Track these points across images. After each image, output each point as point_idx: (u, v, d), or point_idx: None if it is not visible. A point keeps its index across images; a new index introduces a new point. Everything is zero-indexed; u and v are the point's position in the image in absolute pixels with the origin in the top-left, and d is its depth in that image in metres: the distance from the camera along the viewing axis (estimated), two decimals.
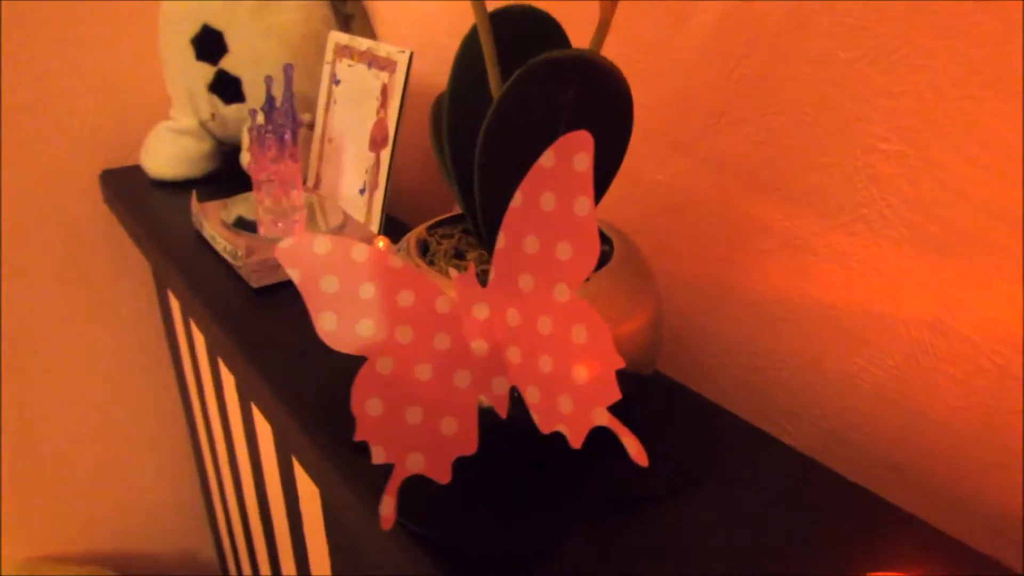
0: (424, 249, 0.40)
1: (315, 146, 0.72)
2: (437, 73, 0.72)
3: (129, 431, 1.02)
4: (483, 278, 0.35)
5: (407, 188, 0.80)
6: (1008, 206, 0.37)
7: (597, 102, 0.33)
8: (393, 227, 0.66)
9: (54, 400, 0.95)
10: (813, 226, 0.45)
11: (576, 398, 0.32)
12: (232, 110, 0.77)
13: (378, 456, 0.33)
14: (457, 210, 0.42)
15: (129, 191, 0.81)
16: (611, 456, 0.33)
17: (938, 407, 0.42)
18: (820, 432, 0.48)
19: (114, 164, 0.88)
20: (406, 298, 0.34)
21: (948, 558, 0.34)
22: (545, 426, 0.32)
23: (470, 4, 0.34)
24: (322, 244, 0.33)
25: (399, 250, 0.41)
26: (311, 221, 0.66)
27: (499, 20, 0.35)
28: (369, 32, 0.80)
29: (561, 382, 0.32)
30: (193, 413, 0.95)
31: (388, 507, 0.33)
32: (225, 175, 0.82)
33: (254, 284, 0.58)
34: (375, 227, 0.63)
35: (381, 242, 0.57)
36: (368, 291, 0.34)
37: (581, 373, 0.31)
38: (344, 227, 0.64)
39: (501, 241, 0.33)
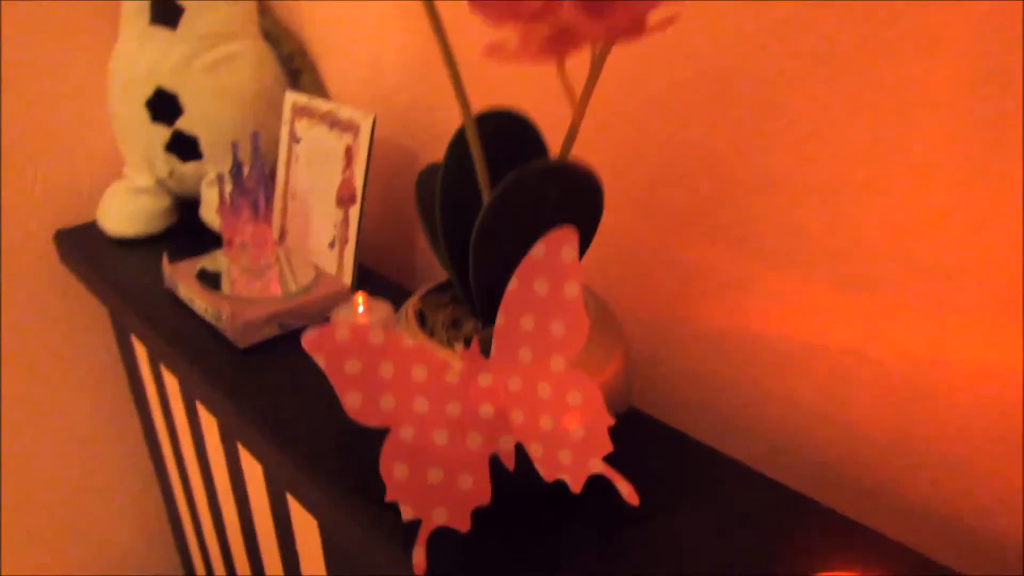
0: (422, 319, 0.45)
1: (278, 202, 0.75)
2: (388, 127, 0.77)
3: (93, 482, 1.03)
4: (484, 346, 0.40)
5: (366, 233, 0.84)
6: (912, 254, 0.44)
7: (574, 197, 0.39)
8: (364, 276, 0.70)
9: (15, 455, 0.95)
10: (749, 269, 0.52)
11: (574, 451, 0.37)
12: (190, 167, 0.80)
13: (407, 513, 0.38)
14: (425, 261, 0.47)
15: (88, 250, 0.82)
16: (596, 492, 0.39)
17: (860, 420, 0.49)
18: (765, 444, 0.55)
19: (66, 222, 0.88)
20: (419, 373, 0.39)
21: (879, 555, 0.42)
22: (548, 475, 0.38)
23: (459, 109, 0.40)
24: (343, 332, 0.38)
25: (398, 320, 0.46)
26: (280, 277, 0.69)
27: (483, 122, 0.40)
28: (319, 85, 0.84)
29: (560, 438, 0.38)
30: (163, 457, 0.97)
31: (419, 555, 0.38)
32: (183, 228, 0.84)
33: (241, 345, 0.62)
34: (347, 279, 0.67)
35: (360, 297, 0.62)
36: (387, 370, 0.39)
37: (577, 430, 0.37)
38: (316, 282, 0.67)
39: (501, 319, 0.38)
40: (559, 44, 0.30)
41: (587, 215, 0.40)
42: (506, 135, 0.41)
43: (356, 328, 0.38)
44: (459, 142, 0.41)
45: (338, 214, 0.68)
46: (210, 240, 0.79)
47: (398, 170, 0.79)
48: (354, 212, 0.66)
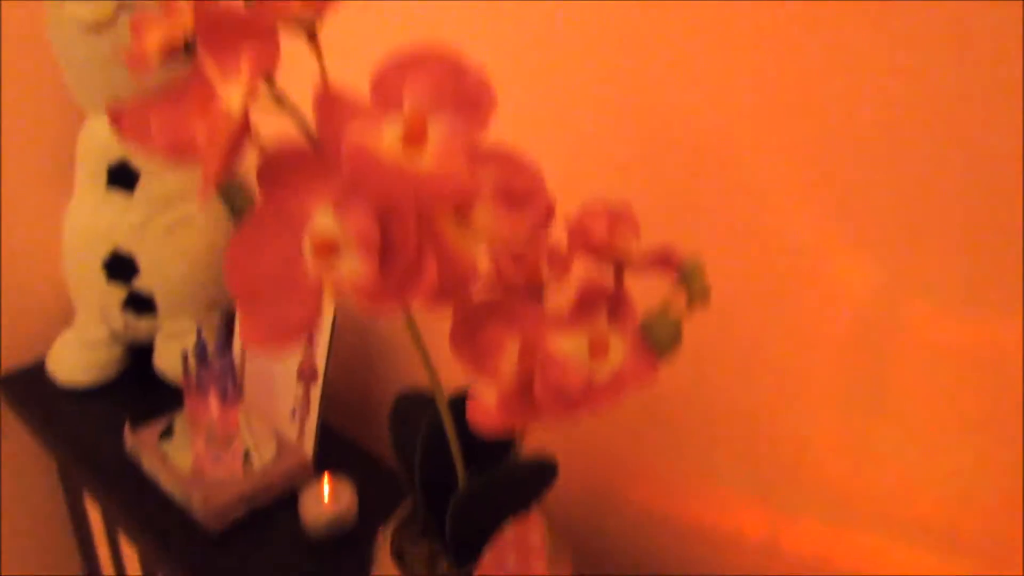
0: (399, 555, 0.51)
1: (236, 359, 0.79)
2: None
3: None
4: None
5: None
6: (806, 471, 0.53)
7: (534, 476, 0.46)
8: (324, 433, 0.74)
9: None
10: (675, 468, 0.60)
11: None
12: (145, 321, 0.82)
13: None
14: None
15: (38, 397, 0.84)
16: None
17: None
18: None
19: (13, 360, 0.89)
20: None
21: None
22: None
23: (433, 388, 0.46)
24: None
25: (377, 549, 0.52)
26: (242, 445, 0.73)
27: (456, 403, 0.46)
28: None
29: None
30: None
31: None
32: (137, 374, 0.86)
33: (212, 527, 0.65)
34: (309, 450, 0.72)
35: (326, 479, 0.67)
36: None
37: None
38: (280, 454, 0.72)
39: None
40: (529, 416, 0.37)
41: (544, 484, 0.47)
42: None
43: None
44: (435, 416, 0.47)
45: (299, 387, 0.73)
46: (166, 391, 0.82)
47: (351, 324, 0.84)
48: (315, 389, 0.71)
